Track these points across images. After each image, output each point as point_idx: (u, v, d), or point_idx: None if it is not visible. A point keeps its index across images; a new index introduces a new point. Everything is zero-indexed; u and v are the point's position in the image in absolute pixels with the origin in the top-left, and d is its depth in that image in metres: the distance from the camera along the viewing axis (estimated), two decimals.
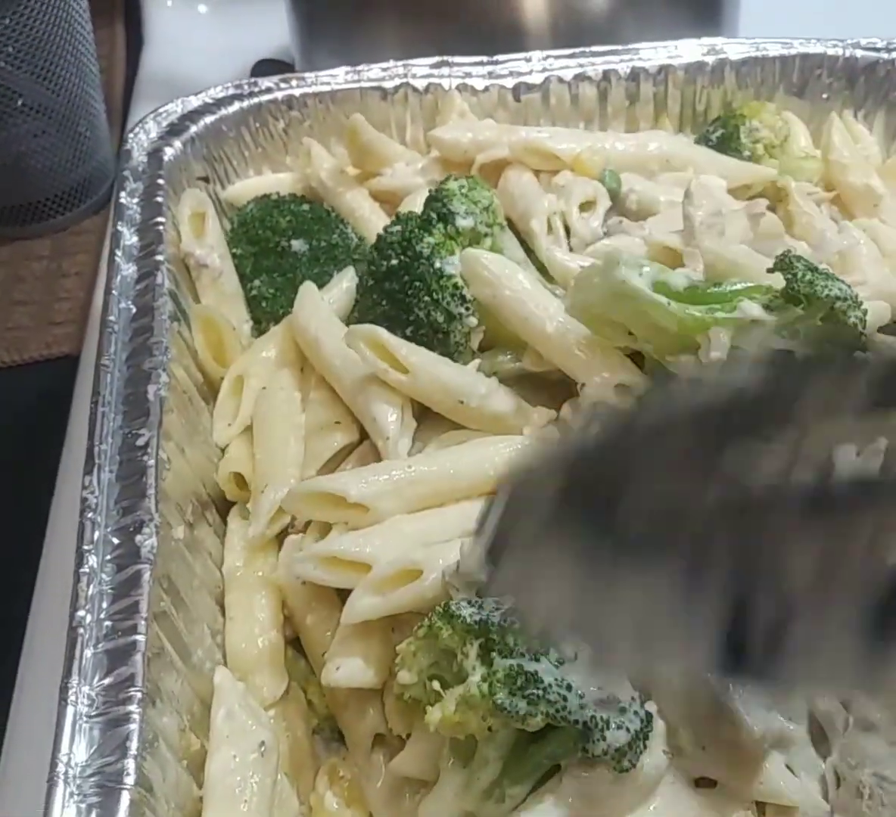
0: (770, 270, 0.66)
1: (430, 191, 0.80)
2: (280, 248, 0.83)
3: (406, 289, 0.72)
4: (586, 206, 0.84)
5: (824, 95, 0.99)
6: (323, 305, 0.77)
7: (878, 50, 0.98)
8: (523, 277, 0.72)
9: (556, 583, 0.42)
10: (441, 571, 0.58)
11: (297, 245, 0.83)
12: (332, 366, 0.73)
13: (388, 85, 0.96)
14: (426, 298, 0.71)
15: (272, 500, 0.69)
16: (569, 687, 0.52)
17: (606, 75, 0.98)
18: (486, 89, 0.97)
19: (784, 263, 0.65)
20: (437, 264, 0.72)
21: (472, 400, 0.68)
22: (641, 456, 0.42)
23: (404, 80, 0.96)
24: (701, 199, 0.72)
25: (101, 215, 1.18)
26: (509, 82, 0.97)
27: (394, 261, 0.72)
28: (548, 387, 0.72)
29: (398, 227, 0.74)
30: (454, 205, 0.76)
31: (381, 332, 0.69)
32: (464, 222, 0.76)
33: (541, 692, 0.51)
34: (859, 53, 0.98)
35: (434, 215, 0.75)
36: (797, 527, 0.39)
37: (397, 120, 0.97)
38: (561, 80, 0.97)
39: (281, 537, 0.70)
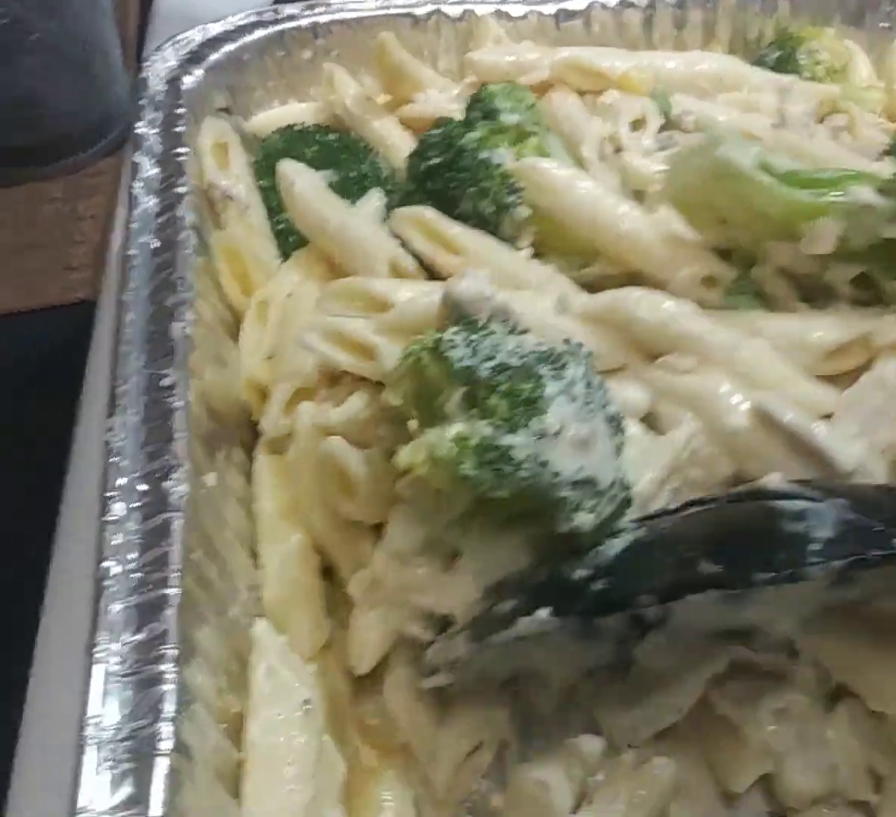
0: (883, 155, 0.61)
1: (471, 96, 0.76)
2: None
3: (450, 185, 0.69)
4: (637, 125, 0.79)
5: (885, 24, 0.93)
6: (316, 180, 0.74)
7: None
8: (588, 181, 0.68)
9: None
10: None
11: (326, 176, 0.78)
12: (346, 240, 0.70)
13: (420, 11, 0.91)
14: (472, 189, 0.68)
15: (286, 389, 0.65)
16: (543, 464, 0.49)
17: (652, 2, 0.92)
18: (524, 16, 0.91)
19: None
20: (484, 155, 0.69)
21: (527, 285, 0.63)
22: None
23: (436, 7, 0.91)
24: (799, 97, 0.68)
25: (116, 156, 1.12)
26: (549, 8, 0.91)
27: (436, 160, 0.69)
28: None
29: (439, 130, 0.71)
30: (497, 103, 0.72)
31: (428, 212, 0.66)
32: (509, 118, 0.72)
33: (512, 468, 0.48)
34: None
35: (478, 113, 0.72)
36: None
37: (430, 48, 0.91)
38: (604, 6, 0.92)
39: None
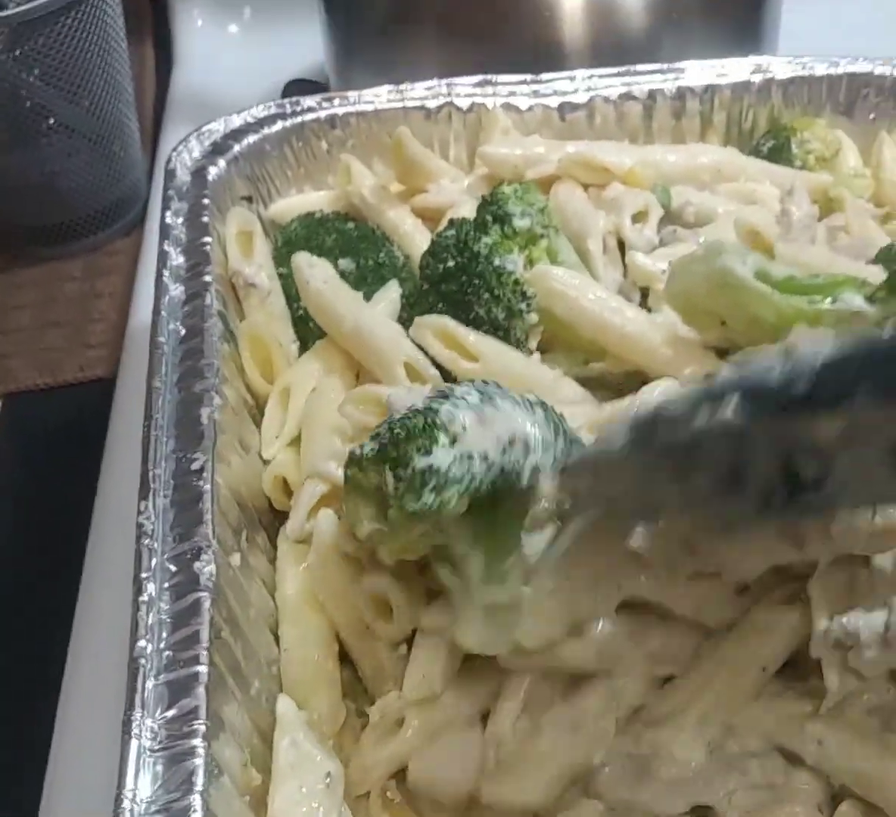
0: (872, 262, 0.65)
1: (483, 197, 0.79)
2: None
3: (465, 289, 0.72)
4: (639, 217, 0.83)
5: (872, 115, 0.97)
6: (330, 274, 0.78)
7: None
8: (595, 287, 0.73)
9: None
10: None
11: (344, 264, 0.82)
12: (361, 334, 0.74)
13: (432, 104, 0.95)
14: (486, 295, 0.71)
15: (312, 493, 0.67)
16: (469, 456, 0.53)
17: (652, 94, 0.96)
18: (531, 108, 0.95)
19: (889, 254, 0.63)
20: (497, 262, 0.72)
21: (540, 388, 0.66)
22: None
23: (448, 99, 0.95)
24: (802, 199, 0.72)
25: (133, 236, 1.17)
26: (554, 101, 0.95)
27: (450, 263, 0.72)
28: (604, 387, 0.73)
29: (452, 231, 0.74)
30: (510, 207, 0.75)
31: (449, 321, 0.69)
32: (520, 222, 0.75)
33: (443, 478, 0.52)
34: None
35: (489, 217, 0.75)
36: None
37: (441, 139, 0.96)
38: (606, 99, 0.96)
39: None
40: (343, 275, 0.81)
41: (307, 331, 0.80)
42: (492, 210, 0.76)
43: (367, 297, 0.79)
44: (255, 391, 0.77)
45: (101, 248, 1.17)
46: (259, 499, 0.71)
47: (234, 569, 0.62)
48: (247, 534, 0.66)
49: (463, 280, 0.72)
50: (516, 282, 0.71)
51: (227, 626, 0.58)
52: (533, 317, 0.72)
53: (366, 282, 0.81)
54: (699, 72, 0.97)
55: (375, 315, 0.75)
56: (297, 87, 1.25)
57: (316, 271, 0.76)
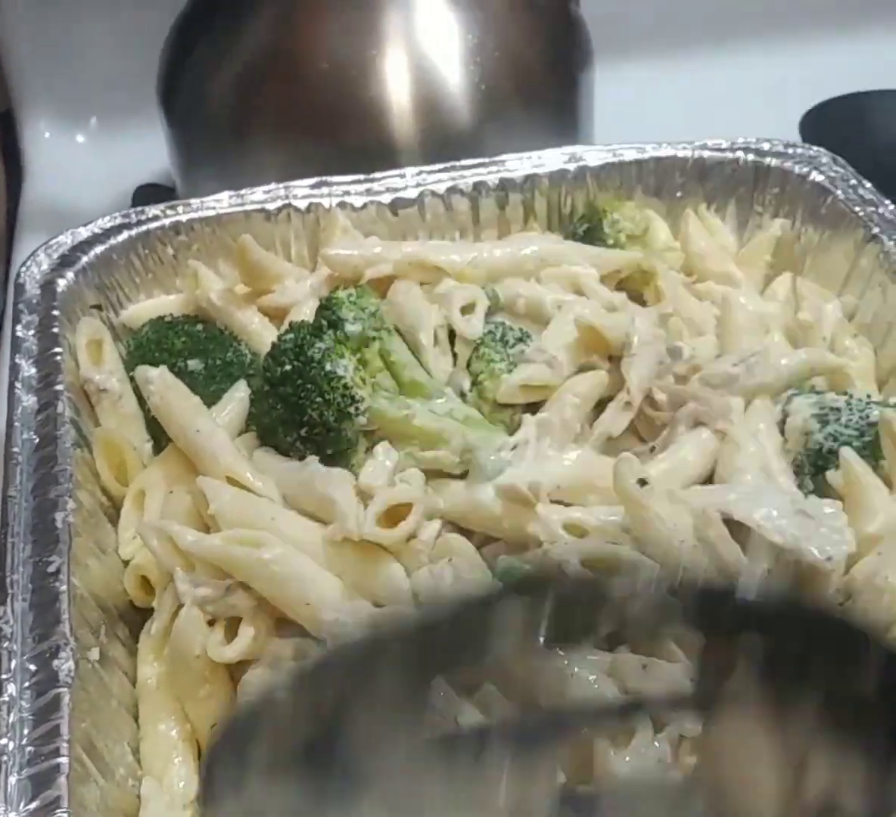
0: None
1: (320, 300, 0.85)
2: (177, 369, 0.85)
3: (299, 393, 0.76)
4: (468, 309, 0.89)
5: (679, 193, 1.06)
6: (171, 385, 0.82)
7: (722, 150, 1.06)
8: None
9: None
10: None
11: (193, 364, 0.86)
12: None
13: (271, 206, 1.01)
14: (318, 399, 0.76)
15: (175, 595, 0.70)
16: None
17: (477, 187, 1.04)
18: (365, 206, 1.02)
19: None
20: (328, 367, 0.77)
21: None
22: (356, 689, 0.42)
23: (286, 201, 1.01)
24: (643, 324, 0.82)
25: None
26: (386, 198, 1.02)
27: (287, 367, 0.77)
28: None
29: (291, 335, 0.79)
30: (343, 313, 0.81)
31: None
32: (352, 328, 0.80)
33: None
34: (707, 154, 1.06)
35: (324, 322, 0.80)
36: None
37: (282, 239, 1.01)
38: (435, 193, 1.03)
39: None
40: (192, 375, 0.86)
41: (160, 430, 0.84)
42: (326, 315, 0.81)
43: (217, 396, 0.84)
44: (110, 494, 0.80)
45: None
46: (119, 597, 0.75)
47: (94, 663, 0.65)
48: (106, 630, 0.70)
49: (298, 383, 0.76)
50: (346, 386, 0.76)
51: (88, 718, 0.61)
52: (362, 420, 0.77)
53: (215, 381, 0.86)
54: (519, 163, 1.05)
55: (207, 426, 0.79)
56: (147, 192, 1.31)
57: (153, 386, 0.80)
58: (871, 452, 0.78)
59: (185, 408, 0.80)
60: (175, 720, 0.68)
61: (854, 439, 0.78)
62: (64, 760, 0.57)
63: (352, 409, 0.76)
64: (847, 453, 0.76)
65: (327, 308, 0.81)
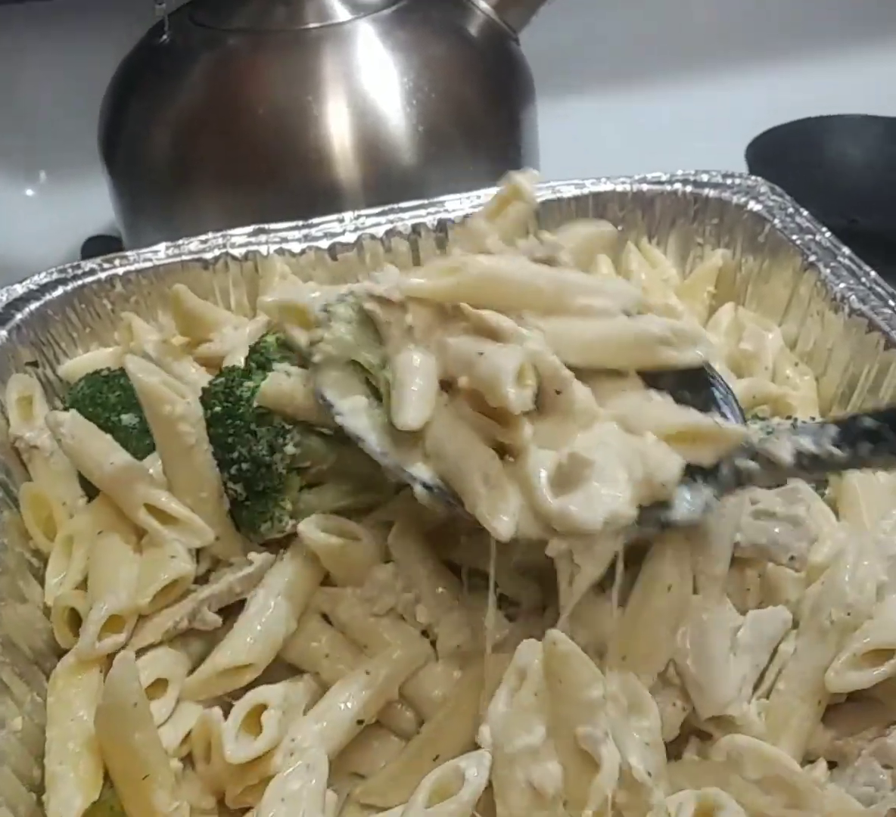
0: None
1: (249, 347, 0.84)
2: (111, 424, 0.85)
3: (228, 431, 0.76)
4: None
5: (620, 227, 1.06)
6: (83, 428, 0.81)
7: (661, 182, 1.06)
8: None
9: None
10: None
11: (127, 419, 0.85)
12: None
13: (208, 255, 1.00)
14: (247, 435, 0.76)
15: (103, 612, 0.70)
16: None
17: (415, 228, 1.03)
18: (303, 251, 1.01)
19: None
20: (256, 404, 0.77)
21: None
22: None
23: (224, 250, 1.01)
24: None
25: None
26: (325, 243, 1.02)
27: (217, 408, 0.77)
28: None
29: (221, 379, 0.79)
30: (271, 354, 0.81)
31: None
32: (279, 367, 0.79)
33: None
34: (645, 187, 1.06)
35: (254, 364, 0.80)
36: None
37: (221, 287, 1.01)
38: (373, 236, 1.03)
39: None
40: (127, 429, 0.85)
41: (92, 487, 0.83)
42: (255, 358, 0.81)
43: (150, 450, 0.83)
44: (39, 550, 0.79)
45: None
46: (41, 646, 0.74)
47: (12, 733, 0.65)
48: (23, 693, 0.69)
49: (227, 422, 0.76)
50: (272, 421, 0.76)
51: (5, 791, 0.60)
52: (291, 449, 0.76)
53: (148, 433, 0.84)
54: (458, 203, 1.05)
55: (120, 459, 0.79)
56: (96, 244, 1.31)
57: (64, 429, 0.79)
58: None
59: (99, 445, 0.79)
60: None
61: None
62: None
63: (281, 440, 0.76)
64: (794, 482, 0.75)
65: (256, 352, 0.81)
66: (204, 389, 0.80)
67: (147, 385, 0.78)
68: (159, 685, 0.70)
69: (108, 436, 0.81)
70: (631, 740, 0.65)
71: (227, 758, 0.65)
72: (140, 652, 0.71)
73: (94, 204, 1.32)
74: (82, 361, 0.96)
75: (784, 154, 1.41)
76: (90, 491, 0.83)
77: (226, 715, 0.67)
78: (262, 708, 0.68)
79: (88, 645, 0.70)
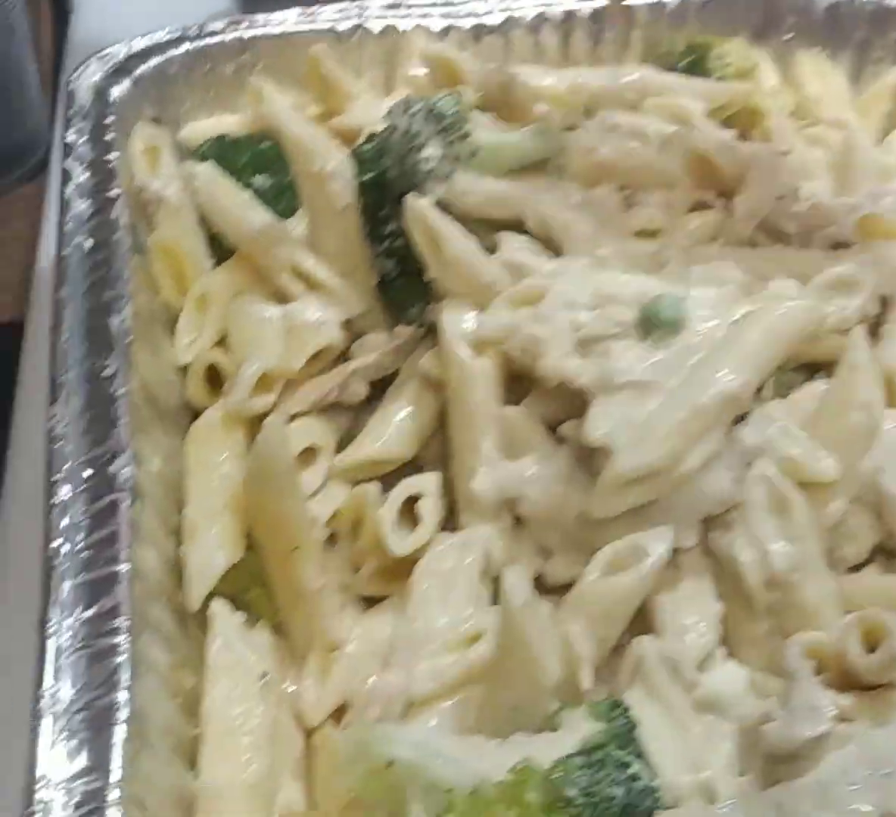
0: None
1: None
2: (241, 186, 0.78)
3: (382, 201, 0.71)
4: None
5: (789, 36, 0.96)
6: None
7: None
8: None
9: None
10: None
11: (260, 181, 0.78)
12: None
13: (342, 27, 0.92)
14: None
15: (255, 368, 0.66)
16: None
17: (568, 16, 0.94)
18: (444, 30, 0.93)
19: None
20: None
21: None
22: None
23: (359, 22, 0.92)
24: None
25: (36, 182, 1.12)
26: (467, 23, 0.93)
27: (370, 174, 0.72)
28: None
29: (371, 144, 0.73)
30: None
31: None
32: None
33: None
34: None
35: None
36: None
37: (353, 63, 0.92)
38: (521, 21, 0.94)
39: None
40: (259, 192, 0.78)
41: (223, 250, 0.76)
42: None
43: (285, 214, 0.77)
44: (167, 302, 0.74)
45: (3, 196, 1.12)
46: (174, 401, 0.69)
47: (150, 472, 0.59)
48: (160, 438, 0.64)
49: (380, 191, 0.71)
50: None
51: (144, 528, 0.55)
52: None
53: (283, 197, 0.78)
54: None
55: (262, 218, 0.73)
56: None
57: (199, 182, 0.75)
58: None
59: (237, 202, 0.74)
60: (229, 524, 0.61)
61: None
62: (123, 568, 0.51)
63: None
64: None
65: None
66: (353, 151, 0.73)
67: (299, 136, 0.72)
68: (308, 454, 0.65)
69: (247, 194, 0.74)
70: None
71: (390, 550, 0.60)
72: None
73: None
74: (205, 126, 0.88)
75: None
76: (217, 253, 0.77)
77: None
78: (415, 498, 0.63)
79: (239, 401, 0.64)
